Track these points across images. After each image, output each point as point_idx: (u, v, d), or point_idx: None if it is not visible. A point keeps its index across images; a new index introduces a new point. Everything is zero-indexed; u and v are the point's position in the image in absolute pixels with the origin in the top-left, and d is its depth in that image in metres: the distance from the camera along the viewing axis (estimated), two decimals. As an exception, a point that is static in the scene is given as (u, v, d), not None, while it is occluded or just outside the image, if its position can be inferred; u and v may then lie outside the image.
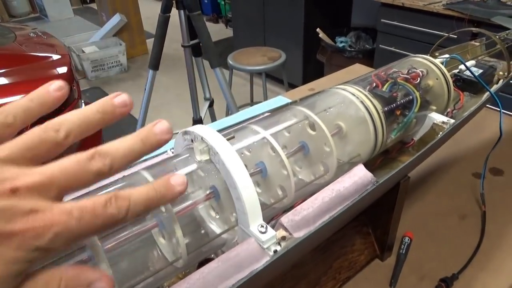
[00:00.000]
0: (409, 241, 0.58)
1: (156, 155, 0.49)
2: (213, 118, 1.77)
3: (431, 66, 0.58)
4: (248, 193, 0.36)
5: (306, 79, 2.98)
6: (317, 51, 2.79)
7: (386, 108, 0.51)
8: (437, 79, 0.58)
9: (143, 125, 1.57)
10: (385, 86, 0.54)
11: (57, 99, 0.26)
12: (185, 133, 0.42)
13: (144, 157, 0.50)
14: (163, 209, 0.38)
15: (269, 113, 0.58)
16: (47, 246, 0.19)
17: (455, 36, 1.92)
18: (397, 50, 2.28)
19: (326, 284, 0.52)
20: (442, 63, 0.61)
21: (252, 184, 0.36)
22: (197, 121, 1.55)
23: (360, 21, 3.02)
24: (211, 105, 1.67)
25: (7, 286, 0.19)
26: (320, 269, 0.52)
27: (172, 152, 0.49)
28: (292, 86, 2.91)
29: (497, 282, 0.54)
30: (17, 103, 0.24)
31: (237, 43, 3.42)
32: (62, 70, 1.82)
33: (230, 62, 2.15)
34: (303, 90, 1.07)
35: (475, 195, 0.68)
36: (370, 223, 0.57)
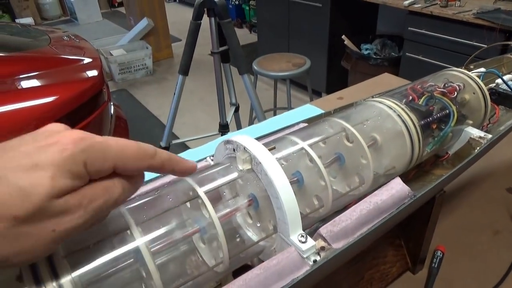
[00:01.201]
0: (441, 255, 0.58)
1: (197, 162, 0.51)
2: (238, 123, 1.79)
3: (468, 80, 0.58)
4: (290, 204, 0.37)
5: (330, 86, 2.97)
6: (342, 58, 2.78)
7: (422, 122, 0.51)
8: (474, 93, 0.58)
9: (171, 129, 1.60)
10: (421, 100, 0.54)
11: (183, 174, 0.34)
12: (227, 142, 0.43)
13: None
14: (206, 214, 0.39)
15: (304, 123, 0.59)
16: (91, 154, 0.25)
17: (485, 46, 1.89)
18: (424, 59, 2.25)
19: (357, 294, 0.52)
20: (479, 77, 0.61)
21: (294, 195, 0.37)
22: (224, 125, 1.57)
23: (386, 29, 3.00)
24: (236, 110, 1.69)
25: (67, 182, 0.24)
26: (352, 279, 0.52)
27: (211, 160, 0.51)
28: (315, 92, 2.91)
29: (532, 301, 0.53)
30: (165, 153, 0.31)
31: (261, 48, 3.45)
32: (94, 73, 1.88)
33: (255, 68, 2.17)
34: (331, 99, 1.08)
35: (509, 211, 0.67)
36: (403, 235, 0.57)
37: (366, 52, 2.74)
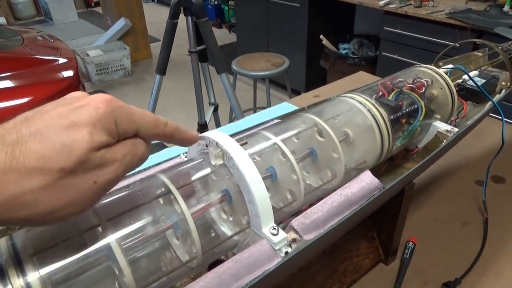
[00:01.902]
0: (412, 246, 0.60)
1: (170, 159, 0.51)
2: (218, 123, 1.79)
3: (436, 76, 0.60)
4: (261, 197, 0.38)
5: (309, 85, 3.00)
6: (320, 57, 2.82)
7: (392, 117, 0.53)
8: (441, 88, 0.60)
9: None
10: (391, 95, 0.56)
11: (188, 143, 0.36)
12: (200, 138, 0.43)
13: (158, 161, 0.52)
14: (178, 210, 0.39)
15: (278, 120, 0.60)
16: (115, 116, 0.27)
17: (458, 45, 1.95)
18: (400, 58, 2.30)
19: (332, 286, 0.53)
20: (446, 73, 0.63)
21: (265, 188, 0.38)
22: (203, 125, 1.57)
23: (363, 28, 3.05)
24: (215, 110, 1.69)
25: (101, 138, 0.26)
26: (326, 272, 0.53)
27: (185, 156, 0.51)
28: (295, 91, 2.93)
29: (499, 287, 0.55)
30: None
31: (241, 48, 3.45)
32: (69, 73, 1.84)
33: (234, 68, 2.17)
34: (308, 96, 1.09)
35: (477, 202, 0.70)
36: (375, 227, 0.58)
37: (344, 52, 2.77)
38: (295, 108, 1.00)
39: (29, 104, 1.66)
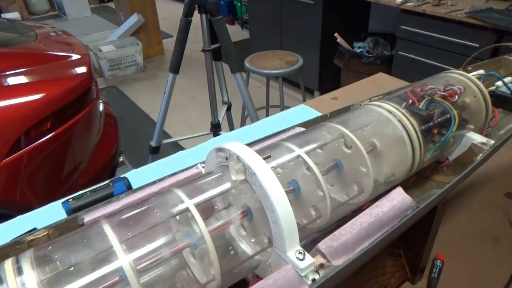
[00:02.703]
0: (441, 264, 0.56)
1: (186, 169, 0.48)
2: (231, 122, 1.76)
3: (469, 83, 0.56)
4: (287, 218, 0.35)
5: (322, 84, 2.96)
6: (334, 56, 2.76)
7: (423, 127, 0.49)
8: (474, 96, 0.56)
9: (161, 128, 1.56)
10: (421, 104, 0.52)
11: None
12: (219, 150, 0.41)
13: (172, 169, 0.49)
14: (196, 229, 0.36)
15: (299, 127, 0.56)
16: None
17: (477, 45, 1.88)
18: (416, 58, 2.24)
19: (355, 307, 0.50)
20: (478, 79, 0.59)
21: (291, 210, 0.35)
22: (216, 125, 1.54)
23: (378, 27, 2.99)
24: (228, 109, 1.66)
25: None
26: (350, 291, 0.50)
27: (202, 167, 0.48)
28: (308, 90, 2.89)
29: (534, 311, 0.52)
30: None
31: (253, 45, 3.41)
32: (82, 70, 1.83)
33: (248, 65, 2.14)
34: (325, 99, 1.05)
35: (508, 217, 0.66)
36: (402, 245, 0.55)
37: (358, 50, 2.72)
38: (313, 111, 0.96)
39: (42, 101, 1.66)
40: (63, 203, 0.62)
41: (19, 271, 0.28)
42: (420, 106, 0.52)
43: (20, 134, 1.53)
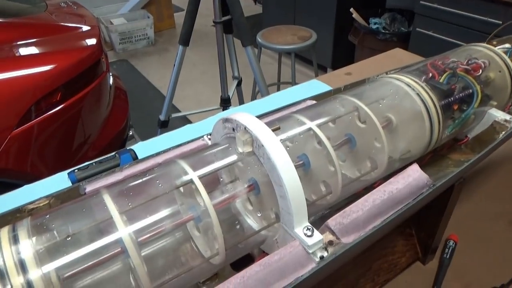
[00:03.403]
0: (453, 245, 0.54)
1: (191, 141, 0.46)
2: (241, 98, 1.74)
3: (494, 57, 0.52)
4: (296, 193, 0.33)
5: (336, 61, 2.89)
6: (349, 32, 2.69)
7: (443, 102, 0.46)
8: (499, 71, 0.52)
9: (170, 102, 1.55)
10: (442, 77, 0.49)
11: None
12: (226, 120, 0.39)
13: (179, 142, 0.48)
14: (200, 201, 0.35)
15: (311, 100, 0.54)
16: None
17: (500, 22, 1.80)
18: (435, 35, 2.16)
19: (363, 286, 0.49)
20: (505, 53, 0.55)
21: (300, 184, 0.33)
22: (225, 100, 1.52)
23: (396, 2, 2.88)
24: (239, 84, 1.63)
25: None
26: (358, 270, 0.49)
27: (209, 138, 0.46)
28: (320, 67, 2.83)
29: (550, 296, 0.50)
30: None
31: (266, 20, 3.33)
32: (92, 41, 1.80)
33: (260, 40, 2.09)
34: (338, 74, 1.02)
35: (526, 199, 0.63)
36: (414, 224, 0.53)
37: (374, 27, 2.63)
38: (325, 86, 0.93)
39: (52, 72, 1.65)
40: (69, 173, 0.61)
41: (15, 239, 0.27)
42: (441, 80, 0.49)
43: (30, 105, 1.53)
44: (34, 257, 0.27)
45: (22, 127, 1.46)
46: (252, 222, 0.40)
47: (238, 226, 0.41)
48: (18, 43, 1.76)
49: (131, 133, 2.07)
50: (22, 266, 0.26)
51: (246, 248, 0.39)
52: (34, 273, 0.26)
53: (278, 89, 2.53)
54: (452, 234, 0.55)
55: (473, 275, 0.52)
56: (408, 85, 0.46)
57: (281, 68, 2.47)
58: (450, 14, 2.04)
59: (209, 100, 2.65)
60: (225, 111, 0.86)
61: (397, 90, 0.46)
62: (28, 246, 0.27)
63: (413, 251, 0.53)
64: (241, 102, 1.77)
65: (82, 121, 1.72)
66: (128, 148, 0.68)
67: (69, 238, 0.28)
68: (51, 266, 0.27)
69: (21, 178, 1.56)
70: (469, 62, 0.52)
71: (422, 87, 0.45)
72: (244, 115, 0.37)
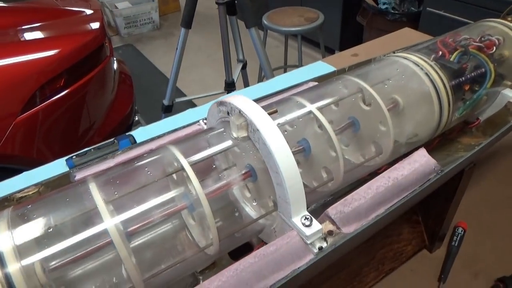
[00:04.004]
0: (462, 232, 0.52)
1: (187, 126, 0.44)
2: (246, 81, 1.70)
3: (509, 33, 0.49)
4: (293, 181, 0.31)
5: (343, 43, 2.82)
6: (357, 13, 2.61)
7: (454, 82, 0.43)
8: (515, 49, 0.49)
9: (174, 86, 1.52)
10: (453, 56, 0.46)
11: None
12: (221, 103, 0.36)
13: (174, 127, 0.46)
14: (193, 190, 0.33)
15: (313, 82, 0.51)
16: None
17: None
18: (446, 14, 2.08)
19: (367, 275, 0.47)
20: (521, 29, 0.51)
21: (298, 171, 0.31)
22: (230, 84, 1.49)
23: (407, -19, 2.79)
24: (244, 68, 1.60)
25: None
26: (362, 259, 0.47)
27: (205, 123, 0.44)
28: (328, 50, 2.77)
29: None
30: None
31: (273, 1, 3.26)
32: (95, 25, 1.78)
33: (265, 23, 2.04)
34: (345, 55, 0.98)
35: (539, 184, 0.60)
36: (421, 211, 0.51)
37: (383, 7, 2.56)
38: (331, 68, 0.90)
39: (56, 56, 1.63)
40: (67, 159, 0.59)
41: (-7, 231, 0.26)
42: (452, 59, 0.46)
43: (35, 90, 1.52)
44: (13, 250, 0.25)
45: (27, 113, 1.45)
46: (249, 210, 0.39)
47: (235, 214, 0.39)
48: (21, 27, 1.74)
49: (136, 119, 2.06)
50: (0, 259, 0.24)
51: (242, 238, 0.37)
52: (13, 266, 0.25)
53: (285, 72, 2.48)
54: (461, 221, 0.53)
55: (483, 263, 0.50)
56: (416, 64, 0.43)
57: (287, 51, 2.43)
58: (463, -8, 1.96)
59: (215, 84, 2.62)
60: (227, 95, 0.84)
61: (404, 70, 0.43)
62: (7, 238, 0.26)
63: (420, 239, 0.51)
64: (246, 86, 1.74)
65: (86, 107, 1.71)
66: (127, 134, 0.66)
67: (50, 229, 0.27)
68: (32, 259, 0.26)
69: (28, 164, 1.56)
70: (482, 39, 0.48)
71: (431, 66, 0.43)
72: (239, 97, 0.35)
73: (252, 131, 0.33)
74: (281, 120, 0.37)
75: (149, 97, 2.67)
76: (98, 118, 1.75)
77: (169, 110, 1.52)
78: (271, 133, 0.31)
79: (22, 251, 0.26)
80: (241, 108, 0.33)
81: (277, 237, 0.35)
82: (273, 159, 0.31)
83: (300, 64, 2.10)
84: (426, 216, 0.50)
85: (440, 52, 0.46)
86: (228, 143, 0.35)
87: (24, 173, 0.70)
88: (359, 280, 0.47)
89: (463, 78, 0.44)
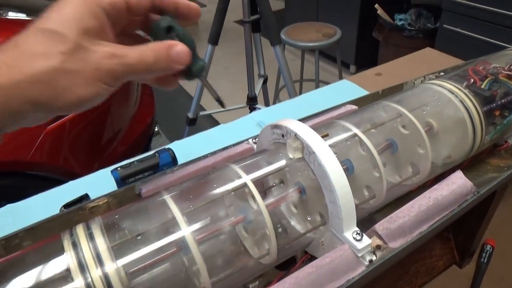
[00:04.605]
0: (491, 250, 0.55)
1: (237, 144, 0.48)
2: (266, 96, 1.75)
3: (537, 62, 0.52)
4: (346, 199, 0.34)
5: (359, 58, 2.87)
6: (373, 28, 2.66)
7: (486, 108, 0.47)
8: (542, 76, 0.52)
9: (199, 100, 1.57)
10: (484, 83, 0.49)
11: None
12: (275, 126, 0.40)
13: (213, 142, 0.49)
14: (252, 203, 0.37)
15: (350, 104, 0.55)
16: None
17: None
18: (463, 32, 2.11)
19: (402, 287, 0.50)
20: (547, 58, 0.55)
21: (350, 190, 0.34)
22: (252, 98, 1.53)
23: (422, -3, 2.83)
24: (265, 82, 1.65)
25: None
26: (397, 272, 0.50)
27: (254, 142, 0.48)
28: (343, 64, 2.81)
29: None
30: None
31: (289, 16, 3.33)
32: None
33: (284, 37, 2.09)
34: (368, 75, 1.02)
35: None
36: (452, 228, 0.53)
37: (399, 23, 2.60)
38: (356, 87, 0.94)
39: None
40: (112, 171, 0.64)
41: (91, 236, 0.30)
42: (483, 86, 0.49)
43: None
44: (109, 252, 0.29)
45: (55, 123, 1.51)
46: (296, 224, 0.42)
47: (282, 229, 0.42)
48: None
49: (156, 129, 2.11)
50: (99, 260, 0.28)
51: (292, 250, 0.41)
52: (110, 266, 0.28)
53: (301, 86, 2.53)
54: (489, 239, 0.55)
55: (510, 280, 0.53)
56: (451, 92, 0.46)
57: (303, 65, 2.47)
58: (479, 10, 1.99)
59: (232, 96, 2.68)
60: (256, 111, 0.88)
61: (440, 97, 0.46)
62: (103, 242, 0.29)
63: (450, 255, 0.54)
64: (266, 100, 1.78)
65: (111, 117, 1.76)
66: (166, 147, 0.70)
67: (139, 237, 0.31)
68: (122, 262, 0.30)
69: (54, 172, 1.62)
70: (511, 67, 0.52)
71: (465, 93, 0.46)
72: (293, 121, 0.39)
73: (307, 153, 0.36)
74: (330, 142, 0.41)
75: (167, 108, 2.73)
76: (122, 128, 1.81)
77: (193, 123, 1.57)
78: (327, 155, 0.35)
79: (115, 254, 0.30)
80: (297, 132, 0.37)
81: (324, 250, 0.39)
82: (328, 179, 0.34)
83: (317, 79, 2.15)
84: (457, 233, 0.53)
85: (472, 80, 0.50)
86: (283, 162, 0.39)
87: (70, 182, 0.74)
88: (394, 292, 0.50)
89: (494, 104, 0.48)
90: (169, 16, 0.33)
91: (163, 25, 0.33)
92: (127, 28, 0.34)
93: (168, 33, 0.33)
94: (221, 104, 0.41)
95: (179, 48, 0.32)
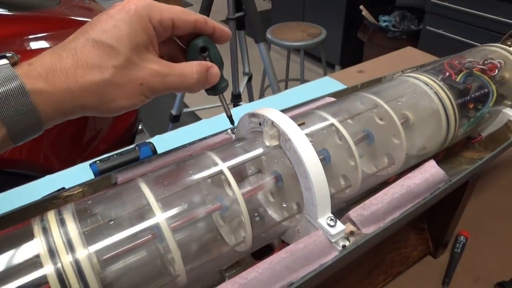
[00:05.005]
0: (464, 240, 0.56)
1: (215, 134, 0.48)
2: (250, 93, 1.75)
3: (510, 57, 0.54)
4: (320, 185, 0.35)
5: (344, 58, 2.89)
6: (358, 29, 2.69)
7: (460, 101, 0.48)
8: (514, 72, 0.54)
9: (182, 97, 1.56)
10: (459, 77, 0.50)
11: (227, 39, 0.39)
12: (253, 115, 0.40)
13: (195, 136, 0.49)
14: (229, 191, 0.37)
15: (329, 97, 0.56)
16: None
17: (513, 22, 1.79)
18: (445, 33, 2.15)
19: (377, 277, 0.51)
20: (520, 54, 0.56)
21: (325, 177, 0.35)
22: (236, 96, 1.53)
23: (406, 0, 2.88)
24: (249, 80, 1.65)
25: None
26: (372, 261, 0.51)
27: (232, 133, 0.48)
28: (329, 64, 2.83)
29: (558, 291, 0.51)
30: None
31: (275, 17, 3.34)
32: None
33: (269, 37, 2.10)
34: (351, 72, 1.03)
35: (538, 197, 0.64)
36: (427, 219, 0.54)
37: (384, 24, 2.63)
38: (338, 83, 0.95)
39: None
40: (90, 164, 0.63)
41: (61, 222, 0.29)
42: (458, 80, 0.50)
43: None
44: (80, 238, 0.29)
45: (36, 119, 1.49)
46: (273, 213, 0.42)
47: (259, 217, 0.42)
48: (30, 37, 1.78)
49: (140, 127, 2.09)
50: (70, 246, 0.28)
51: (267, 238, 0.41)
52: (81, 253, 0.28)
53: (286, 86, 2.54)
54: (463, 230, 0.57)
55: (483, 269, 0.54)
56: (426, 84, 0.47)
57: (289, 65, 2.48)
58: (462, 13, 2.04)
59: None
60: (239, 107, 0.88)
61: (416, 89, 0.47)
62: (74, 228, 0.29)
63: (425, 245, 0.55)
64: (251, 97, 1.78)
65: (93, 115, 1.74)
66: (147, 141, 0.70)
67: (111, 222, 0.31)
68: (94, 248, 0.29)
69: (33, 169, 1.59)
70: (485, 62, 0.53)
71: (439, 86, 0.47)
72: (271, 110, 0.39)
73: (283, 140, 0.37)
74: (307, 131, 0.41)
75: (151, 106, 2.70)
76: (104, 126, 1.78)
77: (176, 120, 1.57)
78: (302, 142, 0.35)
79: (87, 240, 0.29)
80: (274, 120, 0.37)
81: (300, 237, 0.39)
82: (303, 166, 0.35)
83: (302, 78, 2.16)
84: (431, 224, 0.54)
85: (447, 73, 0.51)
86: (260, 150, 0.39)
87: (47, 176, 0.73)
88: (370, 282, 0.50)
89: (468, 97, 0.49)
90: (205, 37, 0.37)
91: (200, 45, 0.36)
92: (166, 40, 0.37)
93: (203, 52, 0.37)
94: (232, 121, 0.44)
95: (214, 70, 0.36)
